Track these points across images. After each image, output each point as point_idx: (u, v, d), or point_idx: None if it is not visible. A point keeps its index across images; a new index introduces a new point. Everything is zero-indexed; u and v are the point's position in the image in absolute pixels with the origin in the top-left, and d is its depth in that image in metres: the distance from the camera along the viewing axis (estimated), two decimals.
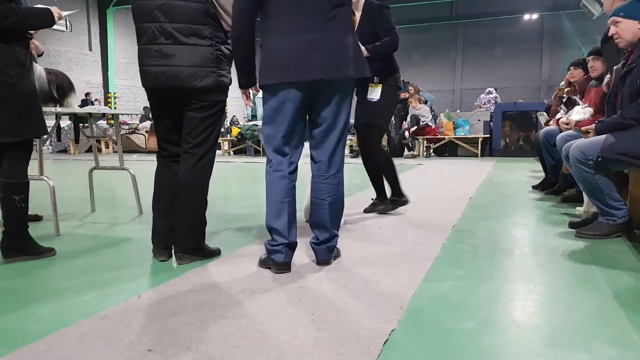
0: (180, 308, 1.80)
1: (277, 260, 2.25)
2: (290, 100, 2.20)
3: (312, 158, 2.35)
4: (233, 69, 2.45)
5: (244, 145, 11.49)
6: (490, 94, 11.74)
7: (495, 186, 5.30)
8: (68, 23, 3.26)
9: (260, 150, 10.69)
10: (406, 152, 9.99)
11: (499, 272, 2.26)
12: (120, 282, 2.15)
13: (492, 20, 22.47)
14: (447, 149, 10.13)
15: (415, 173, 6.82)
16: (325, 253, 2.36)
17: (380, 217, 3.55)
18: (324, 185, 2.31)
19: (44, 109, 2.94)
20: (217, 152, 10.73)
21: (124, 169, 3.90)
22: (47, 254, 2.59)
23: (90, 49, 18.55)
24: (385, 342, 1.50)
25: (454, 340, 1.53)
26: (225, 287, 2.04)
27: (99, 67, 18.84)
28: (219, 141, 12.85)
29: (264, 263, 2.35)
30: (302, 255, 2.51)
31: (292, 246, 2.28)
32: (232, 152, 11.85)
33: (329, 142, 2.30)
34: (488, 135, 9.90)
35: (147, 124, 12.29)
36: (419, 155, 9.87)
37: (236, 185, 5.90)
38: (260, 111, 8.55)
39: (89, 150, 12.76)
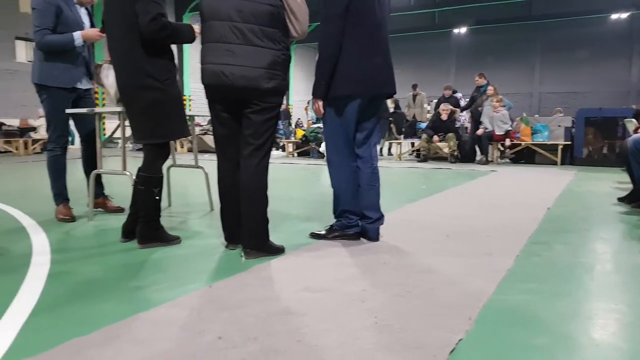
0: (247, 300, 1.86)
1: (354, 231, 2.84)
2: (356, 108, 2.73)
3: (358, 155, 2.85)
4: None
5: (307, 148, 11.58)
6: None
7: (576, 197, 4.97)
8: None
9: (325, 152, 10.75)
10: (478, 156, 9.63)
11: (577, 288, 2.12)
12: (192, 273, 2.26)
13: (574, 20, 21.16)
14: (524, 156, 9.64)
15: (488, 180, 6.56)
16: (377, 231, 2.88)
17: (448, 225, 3.45)
18: (372, 175, 2.84)
19: (119, 108, 3.15)
20: (282, 153, 11.08)
21: (198, 167, 4.07)
22: (174, 241, 2.80)
23: None
24: (451, 352, 1.46)
25: (525, 355, 1.46)
26: (288, 283, 2.08)
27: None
28: (283, 143, 13.12)
29: (333, 235, 2.86)
30: (363, 255, 2.50)
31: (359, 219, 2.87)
32: (295, 154, 12.00)
33: (371, 142, 2.91)
34: (569, 142, 9.30)
35: None
36: (492, 161, 9.48)
37: (298, 186, 5.98)
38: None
39: None
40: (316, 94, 2.72)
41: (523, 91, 22.80)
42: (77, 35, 3.31)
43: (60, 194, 3.52)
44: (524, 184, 6.04)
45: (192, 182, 5.83)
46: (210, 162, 3.32)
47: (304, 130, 12.43)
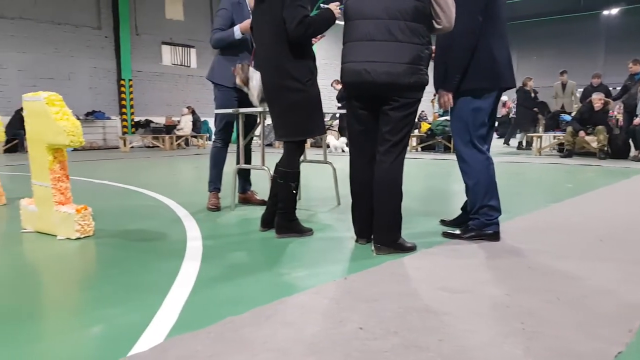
0: (383, 294, 1.88)
1: (494, 230, 2.73)
2: (491, 101, 2.77)
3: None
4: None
5: (433, 142, 11.18)
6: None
7: None
8: None
9: (451, 146, 10.28)
10: (632, 152, 8.48)
11: None
12: (327, 264, 2.34)
13: None
14: None
15: None
16: None
17: (600, 228, 3.12)
18: None
19: (260, 108, 3.36)
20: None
21: (327, 163, 4.19)
22: (308, 232, 2.94)
23: None
24: None
25: None
26: (423, 281, 2.06)
27: None
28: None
29: (469, 235, 2.74)
30: (504, 257, 2.37)
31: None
32: (419, 149, 11.66)
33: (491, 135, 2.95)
34: None
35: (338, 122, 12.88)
36: None
37: (427, 182, 5.83)
38: None
39: None
40: (447, 87, 2.71)
41: None
42: (236, 28, 3.62)
43: (213, 182, 3.92)
44: None
45: (317, 177, 6.01)
46: (331, 158, 3.44)
47: (429, 123, 12.03)
